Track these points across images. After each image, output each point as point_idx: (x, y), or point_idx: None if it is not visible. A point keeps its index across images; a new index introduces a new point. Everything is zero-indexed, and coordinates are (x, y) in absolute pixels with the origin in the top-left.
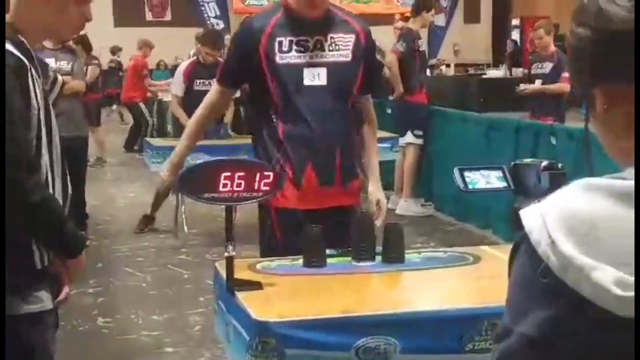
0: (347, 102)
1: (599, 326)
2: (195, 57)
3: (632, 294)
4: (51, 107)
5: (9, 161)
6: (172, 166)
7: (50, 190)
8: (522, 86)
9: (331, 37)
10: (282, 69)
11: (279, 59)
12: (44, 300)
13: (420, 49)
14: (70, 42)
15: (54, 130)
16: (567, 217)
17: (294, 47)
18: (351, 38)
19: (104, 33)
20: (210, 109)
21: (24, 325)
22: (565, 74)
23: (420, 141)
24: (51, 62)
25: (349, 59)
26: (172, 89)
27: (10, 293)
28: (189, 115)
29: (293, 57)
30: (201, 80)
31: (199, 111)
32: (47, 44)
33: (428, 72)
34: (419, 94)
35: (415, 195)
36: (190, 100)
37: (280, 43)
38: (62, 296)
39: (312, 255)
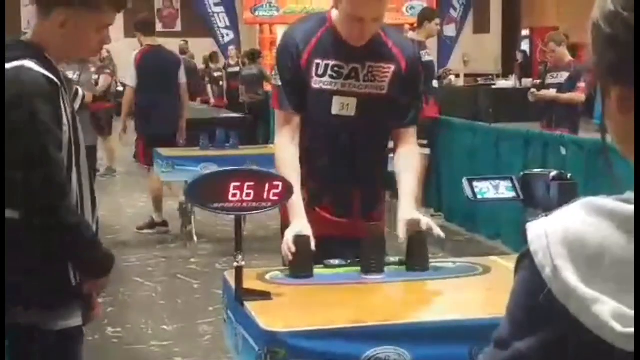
0: (377, 136)
1: (597, 353)
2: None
3: (631, 330)
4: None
5: (45, 187)
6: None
7: (79, 207)
8: (534, 91)
9: (369, 66)
10: (313, 93)
11: (314, 83)
12: (77, 316)
13: (424, 59)
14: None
15: (81, 145)
16: (571, 242)
17: (329, 71)
18: (390, 67)
19: (113, 43)
20: (289, 145)
21: (59, 341)
22: (581, 84)
23: (426, 151)
24: None
25: (384, 91)
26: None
27: (48, 309)
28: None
29: (326, 83)
30: None
31: (280, 155)
32: None
33: (435, 83)
34: (425, 108)
35: (423, 205)
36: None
37: (317, 66)
38: (96, 312)
39: (299, 266)
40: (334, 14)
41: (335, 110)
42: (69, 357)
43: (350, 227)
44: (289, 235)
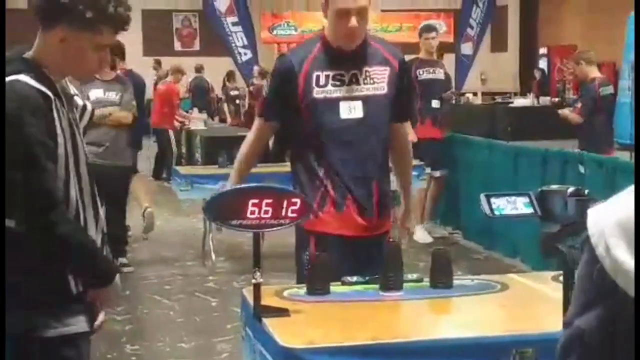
0: (383, 134)
1: None
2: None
3: None
4: (81, 135)
5: (35, 194)
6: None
7: (82, 219)
8: (562, 111)
9: (366, 71)
10: (320, 102)
11: (316, 93)
12: (80, 322)
13: (421, 77)
14: (119, 72)
15: (81, 159)
16: (624, 222)
17: (330, 81)
18: (386, 70)
19: (133, 62)
20: (254, 144)
21: (59, 347)
22: (578, 105)
23: (436, 173)
24: (99, 92)
25: (384, 91)
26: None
27: (46, 316)
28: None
29: (330, 91)
30: None
31: (243, 149)
32: (97, 74)
33: (436, 103)
34: (420, 127)
35: (430, 219)
36: None
37: (318, 78)
38: (99, 321)
39: (316, 283)
40: (327, 30)
41: (344, 114)
42: None
43: (372, 227)
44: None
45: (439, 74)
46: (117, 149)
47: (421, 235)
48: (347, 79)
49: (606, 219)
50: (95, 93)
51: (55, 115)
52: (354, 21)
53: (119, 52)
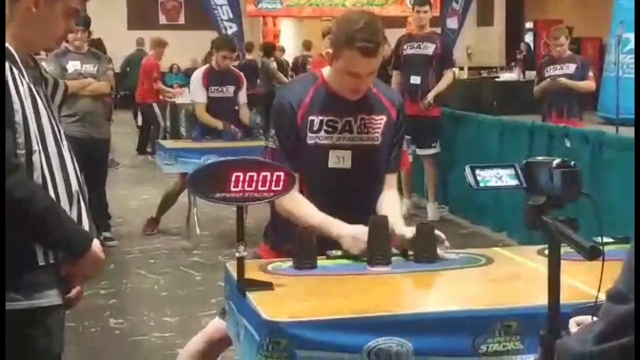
0: (373, 185)
1: None
2: (208, 64)
3: None
4: (49, 108)
5: None
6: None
7: (50, 188)
8: (544, 83)
9: (361, 119)
10: (311, 149)
11: (308, 139)
12: (49, 296)
13: (406, 52)
14: (86, 46)
15: (46, 129)
16: None
17: (324, 127)
18: (382, 119)
19: (117, 36)
20: (294, 196)
21: (25, 321)
22: (591, 74)
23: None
24: (76, 65)
25: (377, 142)
26: (195, 98)
27: (11, 289)
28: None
29: (321, 138)
30: (215, 87)
31: (291, 204)
32: (72, 47)
33: (415, 79)
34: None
35: (433, 199)
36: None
37: (312, 122)
38: (72, 293)
39: (303, 258)
40: (326, 71)
41: (331, 163)
42: (40, 337)
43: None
44: (351, 233)
45: (427, 49)
46: (96, 121)
47: (432, 212)
48: (340, 126)
49: None
50: (73, 65)
51: (11, 83)
52: (364, 81)
53: (87, 24)
